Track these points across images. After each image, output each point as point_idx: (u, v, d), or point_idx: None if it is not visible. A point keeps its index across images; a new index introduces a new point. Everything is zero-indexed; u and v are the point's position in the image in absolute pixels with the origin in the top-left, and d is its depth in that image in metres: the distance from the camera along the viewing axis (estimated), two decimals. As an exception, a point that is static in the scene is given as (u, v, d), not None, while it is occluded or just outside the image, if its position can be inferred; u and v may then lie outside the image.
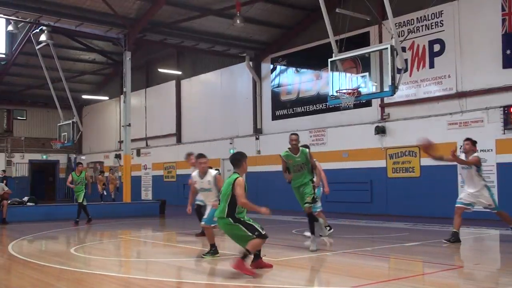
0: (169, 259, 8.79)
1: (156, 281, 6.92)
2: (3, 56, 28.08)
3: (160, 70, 26.38)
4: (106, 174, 28.09)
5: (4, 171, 29.85)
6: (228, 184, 6.95)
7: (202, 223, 8.80)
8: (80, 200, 15.73)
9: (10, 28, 23.65)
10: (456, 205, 10.04)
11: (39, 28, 22.20)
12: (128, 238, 12.94)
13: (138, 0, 18.55)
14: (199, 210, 11.51)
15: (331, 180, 18.84)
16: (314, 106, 20.04)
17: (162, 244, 11.55)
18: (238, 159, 7.18)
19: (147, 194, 27.91)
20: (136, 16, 19.33)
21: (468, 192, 10.02)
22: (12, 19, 21.63)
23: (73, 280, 7.16)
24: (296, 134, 9.62)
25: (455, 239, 9.91)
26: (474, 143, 10.19)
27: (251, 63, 22.43)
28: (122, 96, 22.20)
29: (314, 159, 11.35)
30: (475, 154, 10.03)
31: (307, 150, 9.55)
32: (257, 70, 22.45)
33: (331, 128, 19.22)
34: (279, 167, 21.55)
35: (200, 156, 8.80)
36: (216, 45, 21.54)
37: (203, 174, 8.73)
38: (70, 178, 16.21)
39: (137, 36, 19.80)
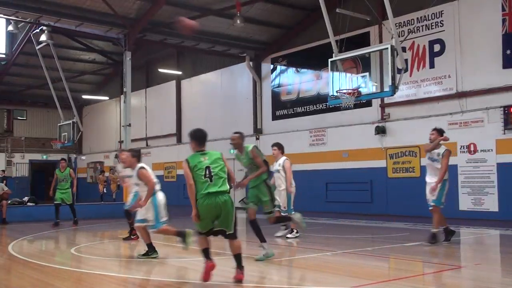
0: (169, 259, 8.79)
1: (156, 281, 6.92)
2: (3, 56, 28.09)
3: (160, 70, 26.39)
4: (107, 174, 28.07)
5: (3, 171, 29.83)
6: (217, 159, 6.55)
7: (138, 224, 8.75)
8: (69, 202, 15.03)
9: (10, 28, 23.66)
10: (429, 209, 10.05)
11: (39, 28, 22.19)
12: (128, 238, 12.92)
13: (138, 0, 18.54)
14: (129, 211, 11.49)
15: (332, 180, 19.02)
16: (314, 106, 20.03)
17: (162, 244, 11.55)
18: (206, 135, 6.74)
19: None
20: (136, 16, 19.32)
21: (427, 184, 9.94)
22: (12, 19, 21.62)
23: (73, 280, 7.16)
24: (238, 133, 8.66)
25: (449, 234, 9.90)
26: (440, 132, 9.87)
27: (251, 63, 22.43)
28: (122, 96, 22.17)
29: (285, 158, 11.04)
30: (445, 149, 9.76)
31: (250, 147, 8.50)
32: (257, 70, 22.45)
33: (331, 128, 19.21)
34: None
35: (122, 151, 9.00)
36: (216, 45, 21.53)
37: (131, 168, 8.82)
38: (55, 176, 15.36)
39: (137, 36, 19.79)
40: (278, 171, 10.91)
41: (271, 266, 7.82)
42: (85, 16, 18.70)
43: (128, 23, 19.26)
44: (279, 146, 11.12)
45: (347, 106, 12.94)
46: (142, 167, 8.65)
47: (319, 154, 19.49)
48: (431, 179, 9.90)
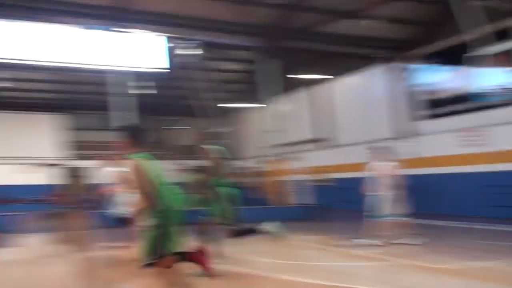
0: (322, 262, 8.88)
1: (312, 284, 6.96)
2: (166, 71, 29.89)
3: (297, 76, 26.65)
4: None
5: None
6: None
7: None
8: None
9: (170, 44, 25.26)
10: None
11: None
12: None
13: (275, 9, 18.92)
14: None
15: (492, 183, 17.40)
16: (465, 104, 18.28)
17: (315, 248, 11.61)
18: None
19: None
20: (274, 24, 19.63)
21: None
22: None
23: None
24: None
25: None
26: None
27: (390, 64, 21.92)
28: (265, 104, 22.77)
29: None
30: None
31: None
32: (395, 70, 21.90)
33: (492, 127, 16.78)
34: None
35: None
36: (357, 47, 21.35)
37: None
38: None
39: (275, 43, 20.20)
40: None
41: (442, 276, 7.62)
42: (224, 28, 19.62)
43: (266, 32, 19.75)
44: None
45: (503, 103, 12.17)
46: None
47: (475, 155, 18.13)
48: None
